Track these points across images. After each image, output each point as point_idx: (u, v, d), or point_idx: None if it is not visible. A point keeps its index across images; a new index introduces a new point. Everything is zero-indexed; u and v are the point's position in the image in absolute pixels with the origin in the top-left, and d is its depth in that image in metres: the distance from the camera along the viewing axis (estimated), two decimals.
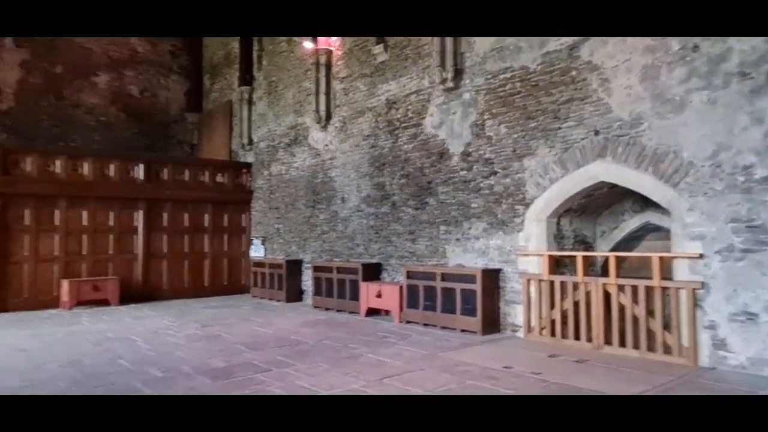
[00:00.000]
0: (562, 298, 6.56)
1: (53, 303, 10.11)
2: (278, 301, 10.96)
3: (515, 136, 7.28)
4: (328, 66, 10.67)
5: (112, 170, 11.06)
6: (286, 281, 10.94)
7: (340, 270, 9.62)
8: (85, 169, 10.76)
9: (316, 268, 10.21)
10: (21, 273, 9.96)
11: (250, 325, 8.10)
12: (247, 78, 13.10)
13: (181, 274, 11.80)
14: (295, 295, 10.97)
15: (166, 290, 11.53)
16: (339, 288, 9.55)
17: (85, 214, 10.72)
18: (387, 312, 8.64)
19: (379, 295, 8.62)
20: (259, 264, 11.83)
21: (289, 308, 10.11)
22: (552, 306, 6.65)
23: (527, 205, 7.10)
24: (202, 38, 15.09)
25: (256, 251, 12.51)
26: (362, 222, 9.81)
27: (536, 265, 6.91)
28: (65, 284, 10.05)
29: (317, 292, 10.05)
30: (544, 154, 6.91)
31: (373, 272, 9.26)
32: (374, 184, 9.58)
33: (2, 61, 12.41)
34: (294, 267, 11.08)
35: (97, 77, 13.71)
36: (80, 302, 10.11)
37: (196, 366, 5.48)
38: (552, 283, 6.67)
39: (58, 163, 10.47)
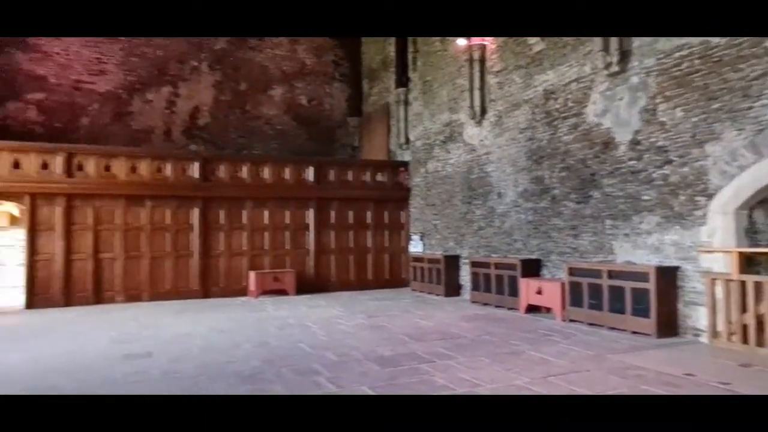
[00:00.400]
0: (757, 301, 5.78)
1: (243, 292, 11.62)
2: (437, 295, 11.26)
3: (694, 119, 6.56)
4: (482, 61, 10.64)
5: (287, 174, 12.33)
6: (445, 276, 11.18)
7: (498, 266, 9.57)
8: (266, 173, 12.15)
9: (473, 264, 10.28)
10: (218, 265, 11.63)
11: (412, 318, 8.47)
12: (402, 80, 13.60)
13: (347, 267, 12.72)
14: (453, 289, 11.16)
15: (334, 282, 12.52)
16: (497, 284, 9.50)
17: (266, 214, 12.12)
18: (548, 309, 8.39)
19: (539, 292, 8.41)
20: (418, 259, 12.25)
21: (448, 302, 10.33)
22: (744, 309, 5.89)
23: (710, 196, 6.37)
24: (361, 47, 16.00)
25: (415, 247, 12.97)
26: (520, 217, 9.63)
27: (723, 263, 6.17)
28: (252, 275, 11.49)
29: (475, 287, 10.12)
30: (731, 138, 6.13)
31: (532, 268, 9.05)
32: (532, 178, 9.34)
33: (200, 83, 14.51)
34: (452, 262, 11.28)
35: (273, 90, 15.31)
36: (264, 291, 11.46)
37: (365, 353, 5.92)
38: (743, 283, 5.91)
39: (244, 169, 11.97)
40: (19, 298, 10.32)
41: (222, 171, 11.80)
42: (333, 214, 12.70)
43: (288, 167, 12.36)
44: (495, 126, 10.35)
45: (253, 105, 15.11)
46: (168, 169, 11.32)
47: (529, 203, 9.42)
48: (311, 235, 12.47)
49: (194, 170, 11.53)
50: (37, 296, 10.18)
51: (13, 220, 12.97)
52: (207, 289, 11.42)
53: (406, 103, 13.61)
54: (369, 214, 13.03)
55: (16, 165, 10.16)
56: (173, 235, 11.32)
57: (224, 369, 5.33)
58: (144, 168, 11.11)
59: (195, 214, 11.50)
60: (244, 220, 11.94)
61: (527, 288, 8.66)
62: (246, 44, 14.97)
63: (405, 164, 13.54)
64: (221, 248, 11.68)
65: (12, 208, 12.20)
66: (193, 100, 14.37)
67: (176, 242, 11.31)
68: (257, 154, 13.99)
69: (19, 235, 10.81)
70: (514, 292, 9.03)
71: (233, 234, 11.82)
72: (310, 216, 12.49)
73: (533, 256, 9.23)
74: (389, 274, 13.10)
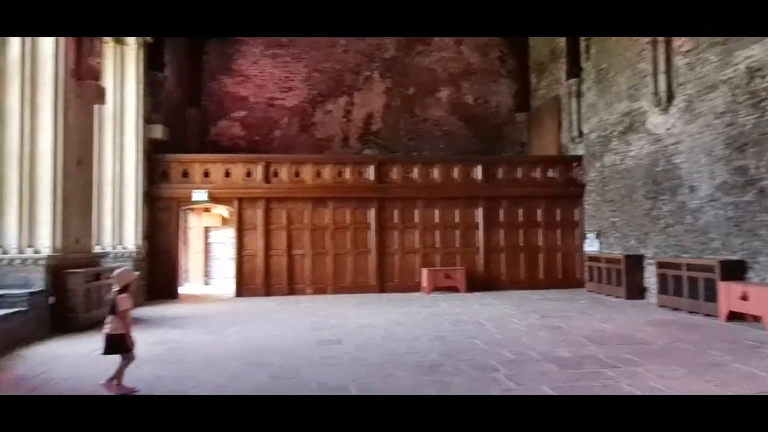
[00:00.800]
0: None
1: (415, 287, 12.13)
2: (616, 297, 10.53)
3: None
4: (668, 41, 9.67)
5: (455, 173, 12.57)
6: (626, 277, 10.41)
7: (690, 267, 8.64)
8: (435, 173, 12.53)
9: (660, 264, 9.42)
10: (393, 262, 12.32)
11: (590, 320, 8.07)
12: (574, 70, 12.95)
13: (516, 266, 12.53)
14: (635, 292, 10.34)
15: (504, 281, 12.43)
16: (690, 287, 8.58)
17: (436, 213, 12.51)
18: (756, 318, 7.35)
19: (744, 298, 7.40)
20: (595, 259, 11.58)
21: (630, 305, 9.60)
22: None
23: None
24: (528, 41, 15.58)
25: (591, 245, 12.26)
26: (717, 213, 8.57)
27: None
28: (425, 272, 11.95)
29: (663, 290, 9.25)
30: None
31: (734, 271, 7.99)
32: (732, 168, 8.25)
33: (372, 91, 15.47)
34: (634, 262, 10.45)
35: (439, 92, 15.69)
36: (436, 288, 11.83)
37: (542, 353, 5.84)
38: None
39: (415, 170, 12.49)
40: (231, 287, 12.14)
41: (395, 173, 12.46)
42: (502, 212, 12.62)
43: (456, 167, 12.59)
44: (684, 112, 9.34)
45: (422, 108, 15.65)
46: (347, 173, 12.31)
47: (729, 197, 8.33)
48: (480, 234, 12.54)
49: (370, 173, 12.37)
50: (244, 286, 11.86)
51: (224, 221, 15.29)
52: (383, 284, 12.18)
53: (579, 94, 12.93)
54: (540, 212, 12.67)
55: (227, 174, 11.95)
56: (353, 233, 12.28)
57: (405, 359, 5.69)
58: (327, 173, 12.24)
59: (371, 214, 12.34)
60: (416, 219, 12.46)
61: (729, 292, 7.68)
62: (413, 50, 15.58)
63: (578, 159, 12.88)
64: (395, 246, 12.35)
65: (223, 210, 14.38)
66: (367, 107, 15.39)
67: (355, 240, 12.26)
68: (426, 156, 14.45)
69: (229, 233, 12.69)
70: (711, 296, 8.07)
71: (406, 232, 12.42)
72: (479, 214, 12.57)
73: (735, 257, 8.14)
74: (562, 273, 12.59)
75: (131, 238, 10.89)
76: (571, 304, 9.83)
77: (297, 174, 12.17)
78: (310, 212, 12.20)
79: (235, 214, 12.06)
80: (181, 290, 12.33)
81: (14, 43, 7.39)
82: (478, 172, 12.60)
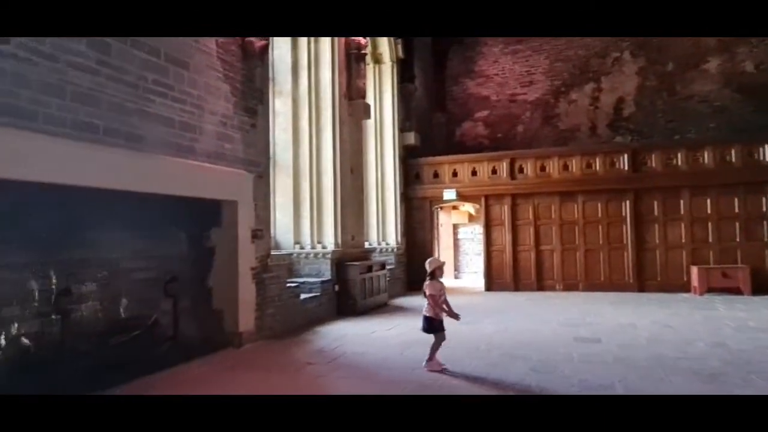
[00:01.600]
0: None
1: (683, 287, 10.79)
2: None
3: None
4: None
5: (732, 156, 10.76)
6: None
7: None
8: (705, 158, 10.93)
9: None
10: (653, 259, 11.18)
11: None
12: None
13: None
14: None
15: None
16: None
17: (708, 203, 10.90)
18: None
19: None
20: None
21: None
22: None
23: None
24: None
25: None
26: None
27: None
28: (694, 270, 10.53)
29: None
30: None
31: None
32: None
33: (623, 74, 14.24)
34: None
35: (706, 63, 13.59)
36: (710, 289, 10.33)
37: None
38: None
39: (678, 156, 11.11)
40: (480, 281, 12.61)
41: (653, 160, 11.30)
42: None
43: (734, 148, 10.78)
44: None
45: (683, 85, 13.78)
46: (597, 164, 11.62)
47: None
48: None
49: (623, 162, 11.46)
50: (493, 281, 12.20)
51: (471, 218, 15.96)
52: (642, 283, 11.15)
53: None
54: None
55: (474, 173, 12.45)
56: (605, 227, 11.54)
57: (677, 364, 5.18)
58: (574, 165, 11.75)
59: (626, 207, 11.41)
60: (682, 210, 11.07)
61: None
62: None
63: None
64: (656, 241, 11.19)
65: (470, 207, 15.02)
66: (617, 91, 14.24)
67: (608, 235, 11.50)
68: (692, 139, 12.69)
69: (476, 229, 13.18)
70: None
71: (669, 225, 11.14)
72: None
73: None
74: None
75: (392, 235, 12.23)
76: None
77: (542, 168, 11.98)
78: (558, 207, 11.88)
79: (482, 211, 12.48)
80: None
81: (303, 76, 9.02)
82: (766, 152, 10.55)
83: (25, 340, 4.35)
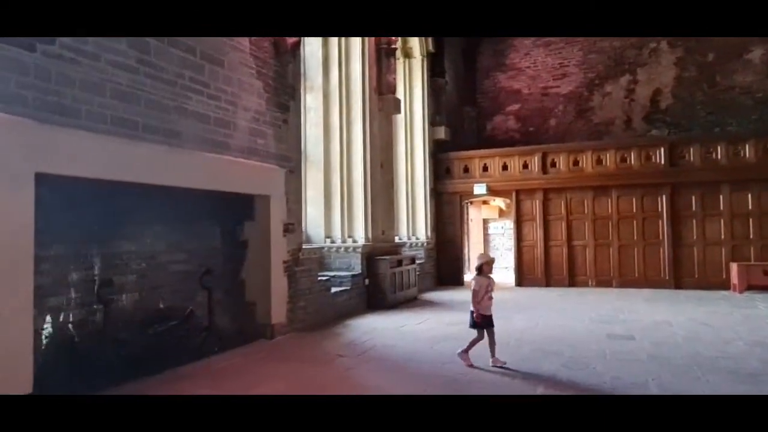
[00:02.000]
0: None
1: (722, 285, 10.47)
2: None
3: None
4: None
5: None
6: None
7: None
8: (747, 151, 10.57)
9: None
10: (691, 255, 10.89)
11: None
12: None
13: None
14: None
15: None
16: None
17: (749, 198, 10.55)
18: None
19: None
20: None
21: None
22: None
23: None
24: None
25: None
26: None
27: None
28: (734, 267, 10.21)
29: None
30: None
31: None
32: None
33: (660, 65, 13.85)
34: None
35: (749, 53, 13.11)
36: (750, 286, 10.01)
37: None
38: None
39: (718, 149, 10.77)
40: (511, 276, 12.51)
41: (691, 154, 10.98)
42: None
43: None
44: None
45: (724, 75, 13.32)
46: (631, 158, 11.37)
47: None
48: None
49: (659, 156, 11.17)
50: (524, 276, 12.09)
51: (501, 213, 15.81)
52: (678, 280, 10.89)
53: None
54: None
55: (504, 167, 12.33)
56: (640, 223, 11.29)
57: (715, 363, 5.06)
58: (608, 159, 11.52)
59: (662, 201, 11.13)
60: (721, 205, 10.74)
61: None
62: None
63: None
64: (694, 237, 10.89)
65: (500, 202, 14.88)
66: (653, 83, 13.86)
67: (643, 230, 11.25)
68: (733, 131, 12.27)
69: (506, 224, 13.05)
70: None
71: (707, 221, 10.83)
72: None
73: None
74: None
75: (422, 230, 12.24)
76: None
77: (575, 163, 11.77)
78: (591, 201, 11.67)
79: (513, 206, 12.36)
80: (465, 278, 13.24)
81: (334, 71, 9.08)
82: None
83: (70, 328, 4.54)
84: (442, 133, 12.75)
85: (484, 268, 5.26)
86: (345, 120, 9.10)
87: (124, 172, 4.48)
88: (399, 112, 10.63)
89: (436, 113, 12.89)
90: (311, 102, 8.83)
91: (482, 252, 5.24)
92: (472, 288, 5.18)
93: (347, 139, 9.12)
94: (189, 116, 5.39)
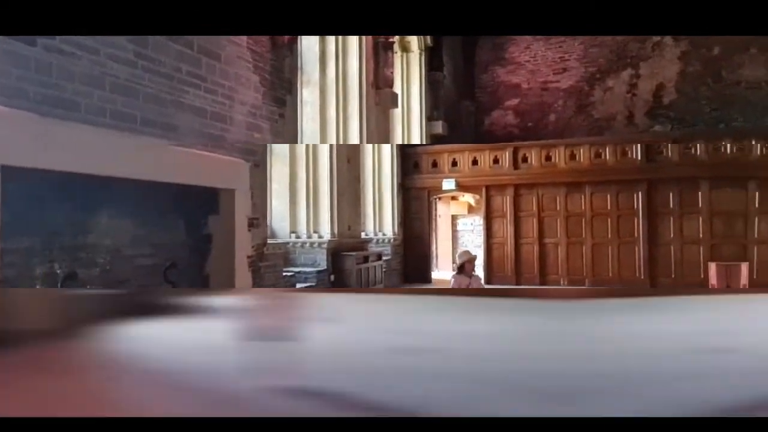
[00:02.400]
0: None
1: (699, 285, 10.24)
2: None
3: None
4: None
5: None
6: None
7: None
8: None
9: None
10: (667, 254, 10.83)
11: None
12: None
13: None
14: None
15: None
16: None
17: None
18: None
19: None
20: None
21: None
22: None
23: None
24: None
25: None
26: None
27: None
28: (712, 267, 10.01)
29: None
30: None
31: None
32: None
33: (663, 58, 13.73)
34: None
35: (756, 47, 12.92)
36: (729, 286, 9.92)
37: None
38: None
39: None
40: (480, 274, 12.31)
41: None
42: None
43: None
44: None
45: (730, 70, 13.17)
46: (606, 153, 11.32)
47: None
48: None
49: (636, 152, 11.13)
50: (493, 274, 11.91)
51: (470, 209, 15.62)
52: (654, 279, 10.88)
53: None
54: None
55: (474, 162, 12.15)
56: (614, 220, 11.23)
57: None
58: (582, 155, 11.42)
59: (638, 198, 11.07)
60: (700, 203, 10.68)
61: None
62: None
63: None
64: (670, 235, 10.86)
65: (469, 198, 14.75)
66: (656, 78, 13.79)
67: (618, 228, 11.16)
68: (738, 126, 12.11)
69: (476, 221, 12.83)
70: None
71: (686, 219, 10.79)
72: None
73: None
74: None
75: (389, 226, 11.90)
76: None
77: (548, 158, 11.66)
78: (564, 198, 11.53)
79: (483, 202, 12.22)
80: (433, 275, 12.88)
81: (330, 65, 9.19)
82: None
83: None
84: (439, 127, 12.79)
85: (466, 266, 5.04)
86: (341, 113, 9.18)
87: (88, 165, 4.22)
88: (396, 106, 10.75)
89: (433, 108, 12.94)
90: (308, 96, 8.95)
91: (464, 249, 5.03)
92: (452, 286, 5.07)
93: (344, 134, 9.22)
94: (186, 110, 5.53)
